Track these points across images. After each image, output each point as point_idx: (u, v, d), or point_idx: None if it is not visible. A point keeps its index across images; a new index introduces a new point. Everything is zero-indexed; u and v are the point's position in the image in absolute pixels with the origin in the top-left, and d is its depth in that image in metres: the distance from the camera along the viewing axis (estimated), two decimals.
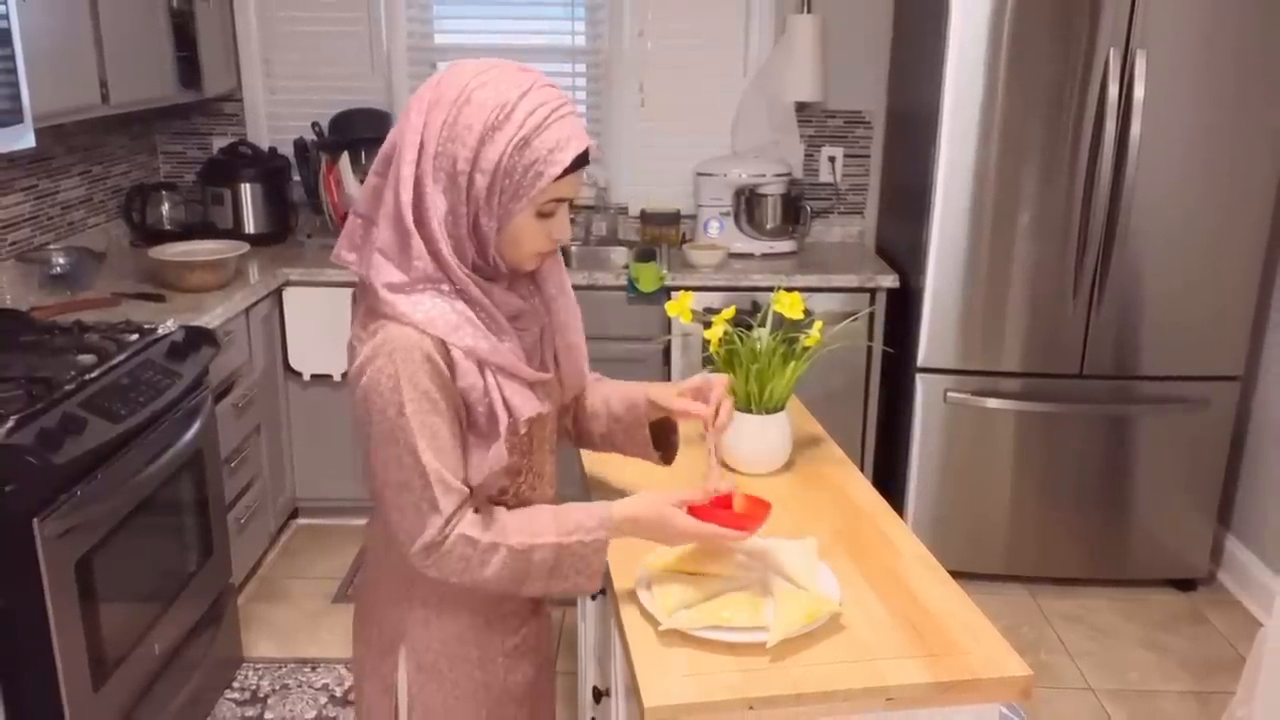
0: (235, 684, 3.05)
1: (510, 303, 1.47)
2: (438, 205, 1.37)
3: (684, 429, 1.81)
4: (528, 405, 1.46)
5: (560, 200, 1.42)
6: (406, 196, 1.36)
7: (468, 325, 1.40)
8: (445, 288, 1.40)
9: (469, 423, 1.43)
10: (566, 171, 1.37)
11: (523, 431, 1.49)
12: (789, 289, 2.09)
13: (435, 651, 1.55)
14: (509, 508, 1.48)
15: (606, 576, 1.66)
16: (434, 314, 1.38)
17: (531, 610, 1.65)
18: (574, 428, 1.79)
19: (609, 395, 1.74)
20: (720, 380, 1.69)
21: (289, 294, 3.66)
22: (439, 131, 1.35)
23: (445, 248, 1.38)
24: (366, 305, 1.43)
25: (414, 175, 1.36)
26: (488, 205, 1.37)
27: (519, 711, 1.66)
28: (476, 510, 1.42)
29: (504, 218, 1.39)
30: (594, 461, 1.98)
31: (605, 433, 1.75)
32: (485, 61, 1.40)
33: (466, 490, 1.41)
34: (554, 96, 1.38)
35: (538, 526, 1.44)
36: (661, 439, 1.77)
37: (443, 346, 1.38)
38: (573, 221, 1.59)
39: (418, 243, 1.37)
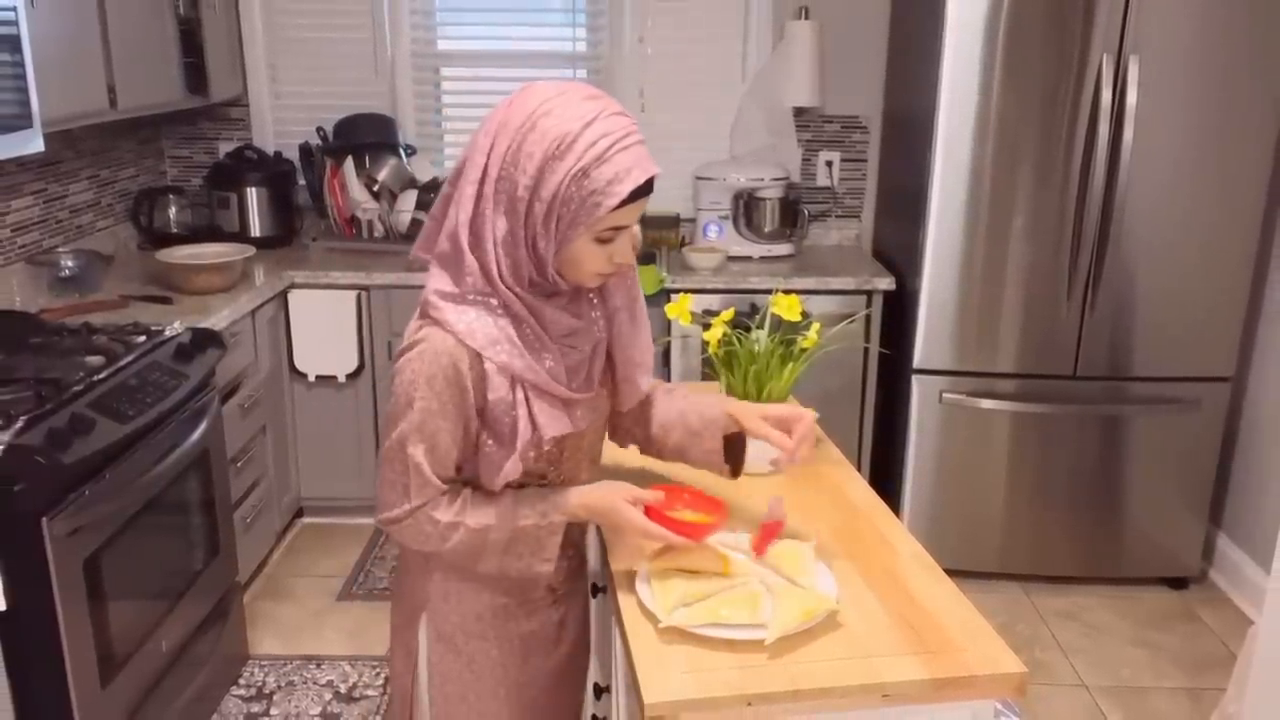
0: (241, 681, 3.05)
1: (561, 322, 1.49)
2: (497, 226, 1.40)
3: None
4: (554, 424, 1.49)
5: (619, 228, 1.43)
6: (464, 216, 1.41)
7: (506, 342, 1.43)
8: (493, 302, 1.44)
9: (493, 430, 1.47)
10: (625, 202, 1.38)
11: (546, 448, 1.52)
12: (787, 291, 2.10)
13: (453, 624, 1.60)
14: None
15: (607, 574, 1.67)
16: (475, 327, 1.42)
17: (552, 601, 1.67)
18: (640, 435, 1.77)
19: (685, 410, 1.72)
20: (808, 416, 1.64)
21: (294, 296, 3.66)
22: (503, 156, 1.38)
23: (497, 268, 1.41)
24: (420, 304, 1.48)
25: (474, 195, 1.40)
26: (545, 230, 1.39)
27: (540, 697, 1.69)
28: (446, 494, 1.48)
29: (562, 242, 1.41)
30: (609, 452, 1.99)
31: (678, 445, 1.73)
32: (556, 86, 1.41)
33: (442, 486, 1.47)
34: (619, 127, 1.37)
35: (498, 508, 1.50)
36: (730, 453, 1.74)
37: (477, 358, 1.43)
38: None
39: (470, 260, 1.41)
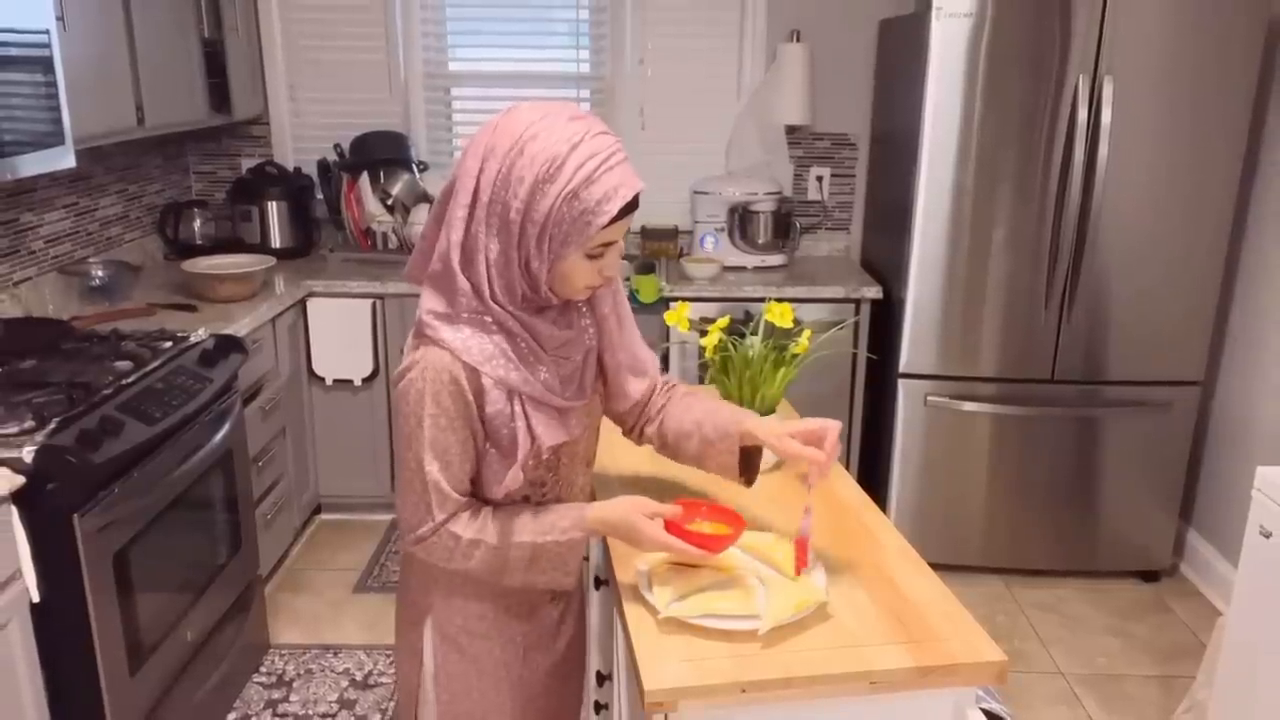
0: (262, 669, 3.05)
1: (554, 334, 1.47)
2: (490, 248, 1.37)
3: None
4: (552, 434, 1.47)
5: (609, 243, 1.40)
6: (456, 238, 1.37)
7: (501, 357, 1.41)
8: (487, 319, 1.41)
9: (494, 442, 1.45)
10: (614, 219, 1.35)
11: (545, 457, 1.50)
12: (779, 299, 2.10)
13: (457, 626, 1.58)
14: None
15: (609, 568, 1.67)
16: (471, 344, 1.40)
17: (550, 599, 1.65)
18: (655, 438, 1.72)
19: (701, 419, 1.65)
20: (835, 426, 1.57)
21: (312, 304, 3.66)
22: (493, 180, 1.34)
23: (490, 287, 1.38)
24: (415, 325, 1.45)
25: (465, 219, 1.37)
26: (538, 250, 1.36)
27: (541, 693, 1.67)
28: (467, 508, 1.46)
29: (554, 261, 1.38)
30: (602, 460, 1.99)
31: (696, 453, 1.68)
32: (540, 109, 1.36)
33: (462, 499, 1.45)
34: (604, 146, 1.34)
35: (517, 526, 1.47)
36: (745, 462, 1.68)
37: (474, 373, 1.40)
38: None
39: (462, 280, 1.39)
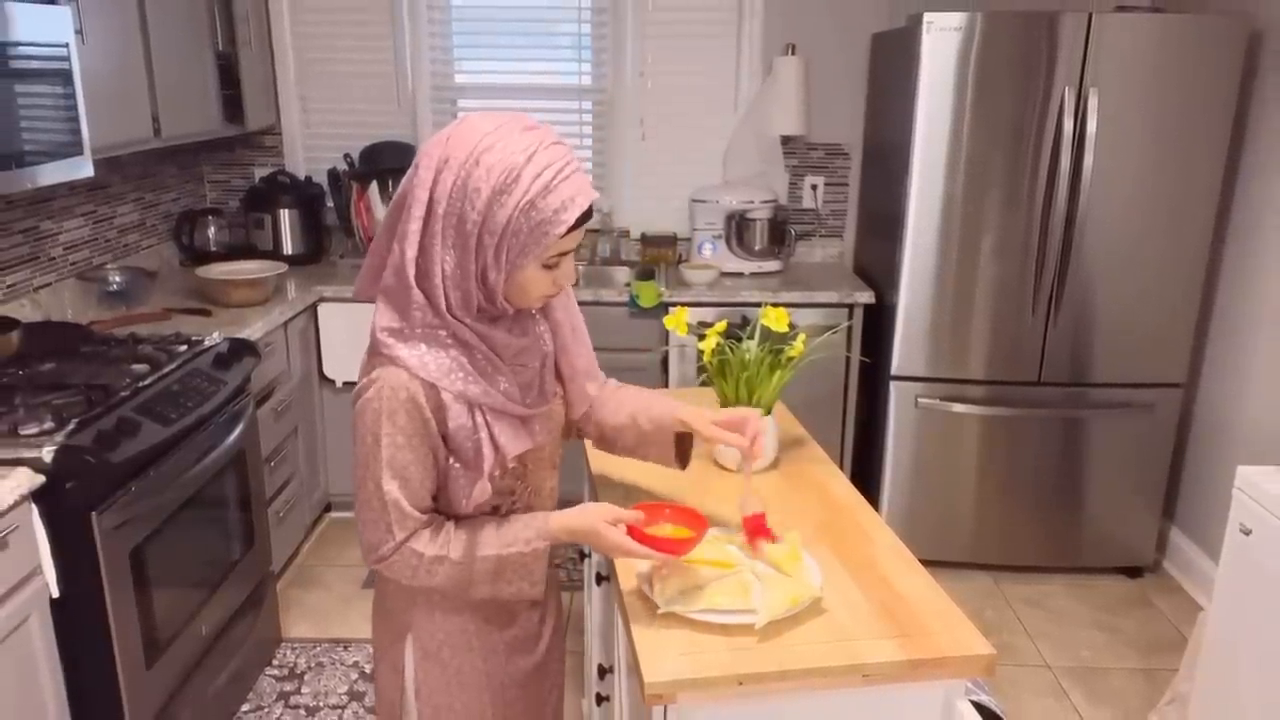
0: (275, 662, 3.05)
1: (510, 344, 1.43)
2: (446, 261, 1.33)
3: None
4: (516, 443, 1.44)
5: (564, 253, 1.38)
6: (411, 253, 1.33)
7: (459, 370, 1.37)
8: (442, 334, 1.37)
9: (458, 457, 1.42)
10: (570, 229, 1.32)
11: (510, 466, 1.48)
12: (775, 304, 2.10)
13: (439, 641, 1.54)
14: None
15: (610, 565, 1.67)
16: (428, 359, 1.36)
17: (530, 604, 1.62)
18: (595, 434, 1.73)
19: (636, 412, 1.68)
20: (755, 414, 1.63)
21: (323, 309, 3.66)
22: (449, 192, 1.30)
23: (446, 300, 1.35)
24: (370, 343, 1.41)
25: (420, 231, 1.32)
26: (495, 261, 1.32)
27: (522, 695, 1.64)
28: (429, 525, 1.42)
29: (511, 271, 1.35)
30: (600, 461, 1.99)
31: (631, 445, 1.70)
32: (493, 119, 1.32)
33: (422, 517, 1.41)
34: (559, 156, 1.31)
35: (481, 539, 1.43)
36: (679, 448, 1.71)
37: (433, 390, 1.37)
38: (578, 251, 1.50)
39: (417, 294, 1.34)
